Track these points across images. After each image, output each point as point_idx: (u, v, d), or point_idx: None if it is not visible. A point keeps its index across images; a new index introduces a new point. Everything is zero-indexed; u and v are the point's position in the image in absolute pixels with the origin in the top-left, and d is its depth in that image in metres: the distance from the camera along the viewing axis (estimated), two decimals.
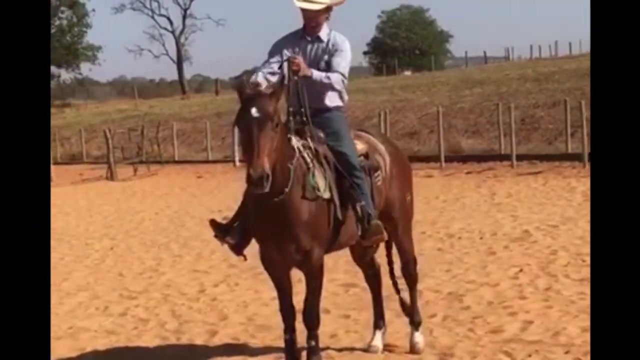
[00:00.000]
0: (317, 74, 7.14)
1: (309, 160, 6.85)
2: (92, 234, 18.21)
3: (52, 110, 61.96)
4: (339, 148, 7.17)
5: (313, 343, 7.16)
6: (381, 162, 7.57)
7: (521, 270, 11.24)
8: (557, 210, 16.92)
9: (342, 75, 7.26)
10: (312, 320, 7.15)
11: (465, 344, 8.08)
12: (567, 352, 7.63)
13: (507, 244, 13.42)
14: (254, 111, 6.32)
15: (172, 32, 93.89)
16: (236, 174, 31.93)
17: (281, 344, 8.35)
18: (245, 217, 7.14)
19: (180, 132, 43.36)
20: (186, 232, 17.42)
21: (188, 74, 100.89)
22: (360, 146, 7.42)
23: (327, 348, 8.12)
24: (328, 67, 7.28)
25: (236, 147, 34.59)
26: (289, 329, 7.24)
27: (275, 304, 10.18)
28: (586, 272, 10.73)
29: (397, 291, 8.27)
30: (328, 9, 7.30)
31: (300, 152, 6.82)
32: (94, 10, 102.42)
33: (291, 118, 6.97)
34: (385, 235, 7.41)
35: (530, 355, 7.62)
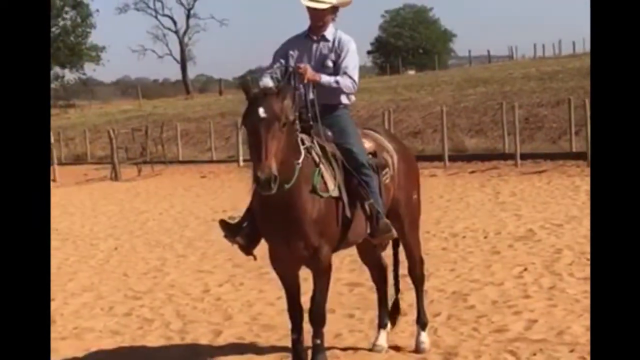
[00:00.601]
0: (325, 79, 7.15)
1: (317, 159, 6.85)
2: (96, 234, 18.23)
3: (56, 110, 62.32)
4: (347, 146, 7.17)
5: (318, 341, 7.16)
6: (389, 160, 7.58)
7: (525, 269, 11.24)
8: (561, 209, 16.91)
9: (352, 79, 7.26)
10: (318, 318, 7.16)
11: (469, 343, 8.09)
12: (571, 351, 7.63)
13: (511, 243, 13.41)
14: (260, 111, 6.33)
15: (176, 32, 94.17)
16: (240, 173, 32.00)
17: (286, 343, 8.38)
18: (254, 215, 7.13)
19: (184, 132, 43.38)
20: (190, 232, 17.42)
21: (192, 74, 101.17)
22: (367, 144, 7.42)
23: (332, 347, 8.12)
24: (336, 69, 7.29)
25: (240, 147, 34.63)
26: (297, 329, 7.23)
27: (280, 303, 10.22)
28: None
29: (397, 291, 8.27)
30: (334, 8, 7.31)
31: (308, 151, 6.82)
32: (97, 10, 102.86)
33: (299, 117, 6.97)
34: (395, 234, 7.42)
35: (534, 354, 7.63)
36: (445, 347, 8.04)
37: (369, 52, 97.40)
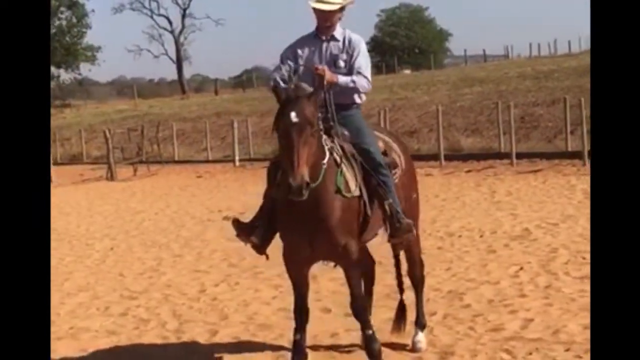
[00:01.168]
0: (342, 80, 7.15)
1: (338, 159, 6.84)
2: (92, 234, 18.22)
3: (52, 110, 61.99)
4: (364, 146, 7.16)
5: (370, 332, 7.15)
6: (397, 159, 7.59)
7: (521, 269, 11.24)
8: (557, 208, 16.92)
9: (367, 78, 7.26)
10: (361, 310, 7.17)
11: (465, 342, 8.10)
12: (567, 350, 7.64)
13: (507, 242, 13.42)
14: (293, 116, 6.28)
15: (172, 32, 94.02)
16: (235, 173, 32.03)
17: (282, 342, 8.41)
18: (270, 215, 7.11)
19: (180, 132, 43.40)
20: (186, 232, 17.42)
21: (187, 73, 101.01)
22: (379, 144, 7.43)
23: (328, 347, 8.14)
24: (348, 68, 7.29)
25: (236, 147, 34.65)
26: (300, 330, 7.19)
27: (276, 303, 10.27)
28: (586, 269, 10.74)
29: (401, 292, 8.28)
30: (341, 8, 7.31)
31: (330, 151, 6.81)
32: (93, 10, 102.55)
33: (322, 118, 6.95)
34: (415, 233, 7.45)
35: (530, 353, 7.63)
36: (441, 346, 8.05)
37: None
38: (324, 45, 7.36)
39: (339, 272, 11.05)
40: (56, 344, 8.86)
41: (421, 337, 8.06)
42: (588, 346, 7.58)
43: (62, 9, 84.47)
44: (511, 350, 7.73)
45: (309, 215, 6.64)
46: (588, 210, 15.78)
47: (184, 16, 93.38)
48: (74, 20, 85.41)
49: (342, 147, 6.99)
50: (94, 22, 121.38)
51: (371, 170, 7.09)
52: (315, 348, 8.12)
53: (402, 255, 8.22)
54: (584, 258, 11.47)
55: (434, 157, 28.10)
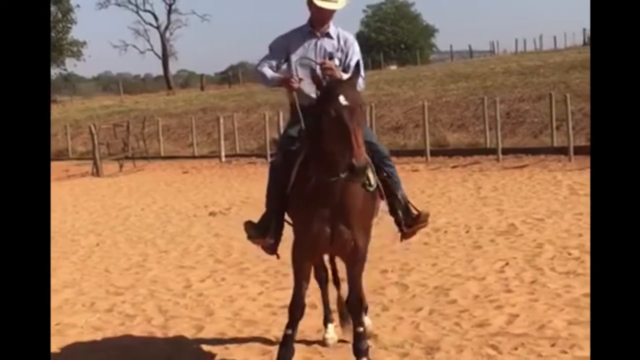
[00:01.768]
0: (345, 76, 7.16)
1: None
2: (77, 230, 18.17)
3: None
4: (367, 138, 7.14)
5: (361, 329, 7.17)
6: None
7: (507, 264, 11.26)
8: (542, 203, 16.96)
9: (362, 76, 7.27)
10: (359, 307, 7.19)
11: (451, 338, 8.10)
12: (553, 345, 7.65)
13: (493, 237, 13.44)
14: (342, 99, 6.27)
15: (157, 28, 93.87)
16: (222, 169, 31.97)
17: (268, 337, 8.40)
18: (281, 212, 7.14)
19: (166, 128, 43.31)
20: (172, 228, 17.40)
21: (173, 69, 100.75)
22: None
23: (314, 342, 8.14)
24: (344, 66, 7.28)
25: (222, 143, 34.60)
26: (294, 325, 7.18)
27: (262, 299, 10.27)
28: (572, 265, 10.79)
29: (338, 287, 8.25)
30: None
31: None
32: (78, 5, 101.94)
33: None
34: (428, 222, 7.61)
35: (516, 349, 7.64)
36: (427, 341, 8.05)
37: None
38: (319, 41, 7.36)
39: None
40: None
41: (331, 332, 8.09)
42: (573, 341, 7.63)
43: None
44: (497, 346, 7.74)
45: (335, 203, 6.65)
46: (574, 206, 15.89)
47: (169, 11, 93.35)
48: (59, 15, 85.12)
49: None
50: (79, 18, 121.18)
51: (379, 163, 7.13)
52: (302, 343, 8.12)
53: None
54: (569, 253, 11.50)
55: (420, 152, 28.15)
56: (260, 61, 7.42)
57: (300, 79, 7.14)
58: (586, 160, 22.10)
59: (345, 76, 6.98)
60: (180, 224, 17.85)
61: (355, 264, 7.07)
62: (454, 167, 25.84)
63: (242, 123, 38.67)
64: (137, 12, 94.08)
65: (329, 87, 6.45)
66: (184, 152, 39.28)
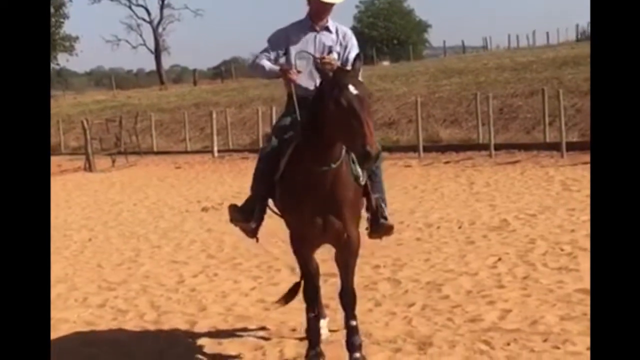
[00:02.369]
0: None
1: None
2: (70, 225, 18.16)
3: None
4: None
5: (354, 323, 7.21)
6: None
7: (499, 260, 11.27)
8: (535, 199, 16.98)
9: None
10: (352, 300, 7.22)
11: (444, 333, 8.11)
12: (545, 340, 7.66)
13: (485, 233, 13.45)
14: (352, 88, 6.29)
15: (150, 23, 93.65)
16: (214, 164, 31.94)
17: (260, 333, 8.41)
18: (266, 198, 7.24)
19: (159, 123, 43.25)
20: (165, 223, 17.40)
21: (166, 64, 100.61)
22: None
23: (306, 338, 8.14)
24: (342, 60, 7.28)
25: (215, 138, 34.57)
26: (315, 307, 7.31)
27: (255, 294, 10.26)
28: (564, 260, 10.80)
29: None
30: None
31: None
32: (71, 0, 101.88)
33: None
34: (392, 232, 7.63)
35: (508, 344, 7.65)
36: (419, 336, 8.05)
37: None
38: (318, 35, 7.40)
39: None
40: None
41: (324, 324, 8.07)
42: (566, 337, 7.64)
43: None
44: (489, 341, 7.74)
45: (328, 193, 6.68)
46: (566, 202, 15.92)
47: (162, 6, 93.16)
48: (52, 10, 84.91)
49: None
50: (71, 12, 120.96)
51: None
52: (294, 339, 8.13)
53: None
54: (562, 249, 11.52)
55: (413, 148, 28.11)
56: (260, 53, 7.45)
57: (299, 71, 7.18)
58: (579, 156, 22.17)
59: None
60: (172, 219, 17.85)
61: (351, 257, 7.11)
62: (447, 162, 25.84)
63: (234, 118, 38.65)
64: (129, 7, 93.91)
65: (336, 77, 6.44)
66: (177, 147, 39.22)
